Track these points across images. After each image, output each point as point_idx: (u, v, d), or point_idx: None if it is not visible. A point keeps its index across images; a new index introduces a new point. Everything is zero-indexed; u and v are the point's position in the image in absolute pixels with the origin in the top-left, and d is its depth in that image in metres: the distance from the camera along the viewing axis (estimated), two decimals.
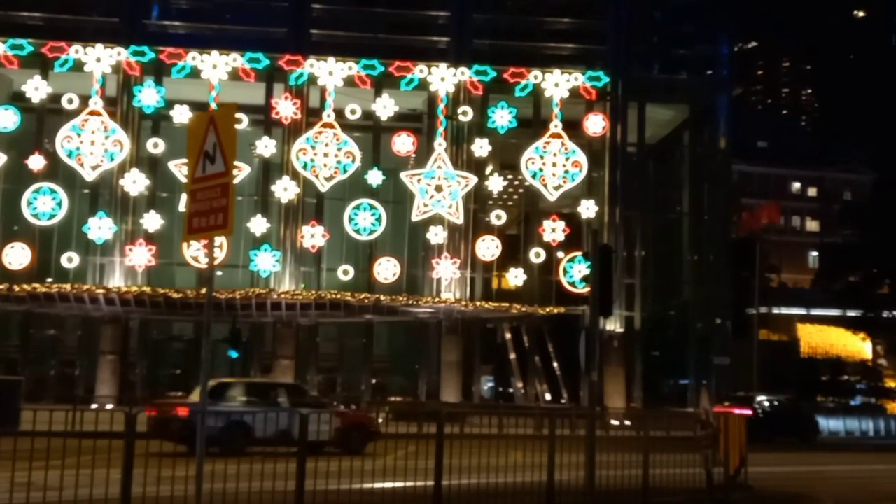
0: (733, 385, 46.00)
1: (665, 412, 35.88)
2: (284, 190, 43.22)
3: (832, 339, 77.84)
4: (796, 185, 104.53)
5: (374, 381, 45.69)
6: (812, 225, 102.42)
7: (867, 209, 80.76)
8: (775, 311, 72.88)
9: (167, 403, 23.34)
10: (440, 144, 44.00)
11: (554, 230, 44.21)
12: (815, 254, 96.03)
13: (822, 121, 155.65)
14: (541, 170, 44.62)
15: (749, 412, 41.83)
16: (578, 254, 43.67)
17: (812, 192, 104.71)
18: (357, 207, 43.20)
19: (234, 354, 36.54)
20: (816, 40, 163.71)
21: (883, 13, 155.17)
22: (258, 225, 42.80)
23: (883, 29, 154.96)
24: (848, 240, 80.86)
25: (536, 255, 44.35)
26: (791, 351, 71.99)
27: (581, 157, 44.83)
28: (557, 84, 44.91)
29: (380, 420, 28.58)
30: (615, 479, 13.60)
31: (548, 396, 44.61)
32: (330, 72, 43.72)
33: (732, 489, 14.46)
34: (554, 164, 44.63)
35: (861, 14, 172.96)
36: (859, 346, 78.21)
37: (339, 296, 41.84)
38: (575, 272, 43.96)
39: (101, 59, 42.93)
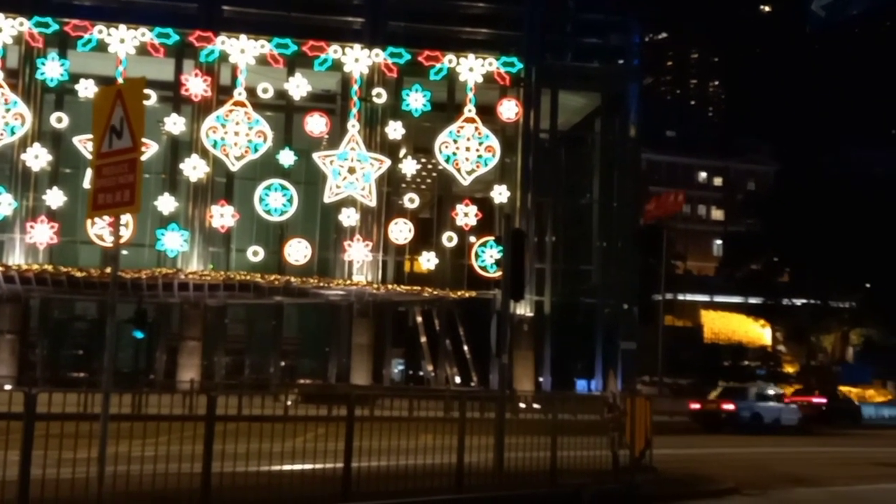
0: (638, 370, 46.89)
1: (573, 395, 36.47)
2: (193, 168, 42.45)
3: (734, 326, 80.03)
4: (702, 175, 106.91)
5: (283, 363, 45.29)
6: (717, 214, 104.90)
7: (770, 199, 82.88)
8: (680, 297, 74.57)
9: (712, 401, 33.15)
10: (353, 126, 43.72)
11: (467, 214, 44.39)
12: (719, 242, 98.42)
13: (728, 112, 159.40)
14: (454, 154, 44.70)
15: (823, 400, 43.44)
16: (491, 238, 43.92)
17: (718, 181, 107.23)
18: (268, 188, 42.69)
19: (139, 335, 35.84)
20: (724, 33, 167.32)
21: (787, 8, 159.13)
22: (166, 203, 41.96)
23: (787, 24, 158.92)
24: (751, 229, 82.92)
25: (449, 239, 44.49)
26: (695, 336, 73.81)
27: (494, 143, 45.04)
28: (472, 69, 45.00)
29: (288, 403, 28.37)
30: (524, 461, 13.73)
31: (458, 379, 44.83)
32: (242, 49, 43.03)
33: (637, 471, 14.73)
34: (467, 149, 44.75)
35: (767, 9, 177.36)
36: (760, 333, 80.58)
37: (248, 277, 41.32)
38: (487, 256, 44.22)
39: (2, 29, 41.50)
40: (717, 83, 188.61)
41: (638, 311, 49.09)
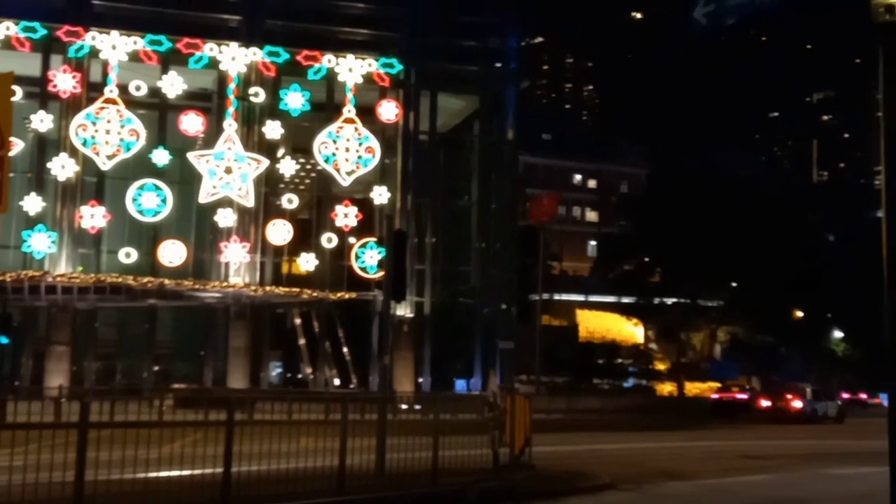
0: (516, 368, 47.51)
1: (453, 395, 36.72)
2: (62, 167, 41.05)
3: (608, 325, 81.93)
4: (577, 177, 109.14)
5: (156, 367, 44.18)
6: (591, 215, 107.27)
7: (641, 201, 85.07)
8: (556, 297, 75.90)
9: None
10: (230, 125, 43.00)
11: (346, 215, 44.21)
12: (593, 243, 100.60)
13: (601, 116, 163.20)
14: (334, 154, 44.44)
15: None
16: (371, 239, 43.86)
17: (592, 184, 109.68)
18: (141, 188, 41.60)
19: (3, 340, 34.41)
20: (598, 39, 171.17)
21: (657, 15, 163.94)
22: (32, 204, 40.48)
23: (657, 31, 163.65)
24: (624, 230, 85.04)
25: (328, 240, 44.20)
26: (570, 335, 75.21)
27: (374, 143, 44.97)
28: (351, 69, 44.83)
29: (163, 408, 27.66)
30: (406, 462, 13.76)
31: (337, 381, 44.58)
32: (113, 45, 41.82)
33: (517, 468, 14.91)
34: (347, 150, 44.55)
35: (639, 15, 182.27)
36: (632, 331, 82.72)
37: (120, 279, 40.10)
38: (367, 257, 44.12)
39: None
40: (591, 87, 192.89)
41: (516, 311, 49.76)
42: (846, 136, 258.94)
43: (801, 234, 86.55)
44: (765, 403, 48.90)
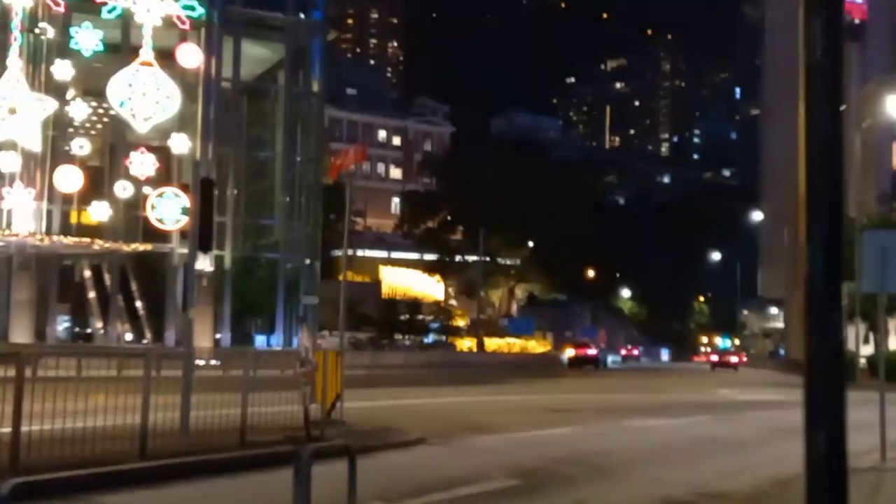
0: (320, 324, 47.05)
1: (263, 351, 35.98)
2: None
3: (411, 281, 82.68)
4: (382, 134, 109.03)
5: None
6: (395, 172, 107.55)
7: (445, 160, 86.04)
8: (360, 253, 75.78)
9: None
10: (15, 63, 39.91)
11: (143, 163, 42.08)
12: (397, 200, 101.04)
13: (406, 74, 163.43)
14: (129, 99, 42.12)
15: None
16: (169, 189, 42.00)
17: (396, 141, 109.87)
18: None
19: None
20: None
21: None
22: None
23: None
24: (427, 188, 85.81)
25: (123, 189, 42.01)
26: (374, 292, 75.35)
27: (173, 89, 42.92)
28: (149, 9, 42.48)
29: None
30: (209, 420, 13.17)
31: (129, 336, 42.77)
32: None
33: (328, 424, 14.56)
34: (144, 94, 42.30)
35: None
36: (434, 288, 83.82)
37: None
38: (164, 208, 42.22)
39: None
40: (395, 44, 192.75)
41: (319, 267, 49.21)
42: (636, 103, 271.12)
43: (593, 197, 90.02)
44: (570, 353, 63.26)
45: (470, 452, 14.87)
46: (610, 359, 63.76)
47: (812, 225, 2.62)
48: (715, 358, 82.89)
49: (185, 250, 41.88)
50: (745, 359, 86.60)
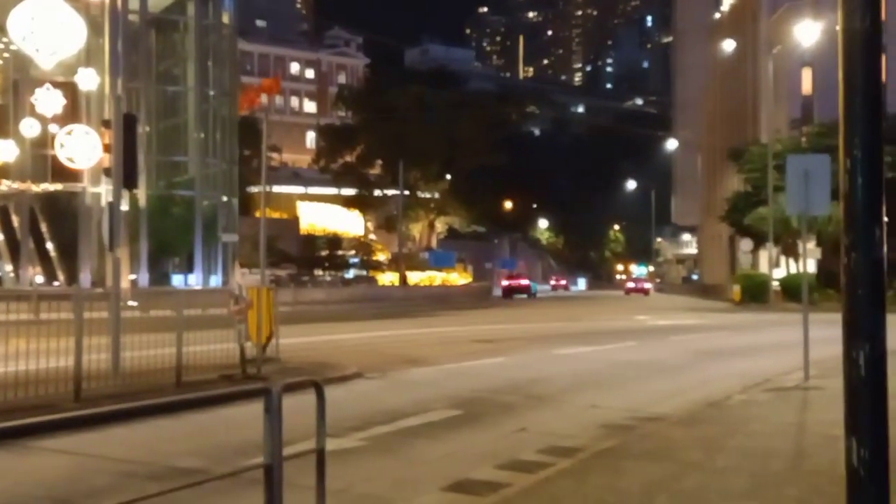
0: (240, 262, 46.42)
1: (194, 291, 35.37)
2: None
3: (330, 217, 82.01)
4: (295, 67, 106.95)
5: None
6: (310, 106, 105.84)
7: (360, 93, 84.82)
8: (277, 189, 74.77)
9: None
10: None
11: (49, 100, 40.51)
12: (313, 134, 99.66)
13: (317, 5, 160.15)
14: (32, 33, 40.26)
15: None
16: (77, 126, 40.53)
17: (310, 74, 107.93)
18: None
19: None
20: None
21: None
22: None
23: None
24: (343, 121, 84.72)
25: (29, 127, 40.50)
26: (292, 228, 74.62)
27: (79, 22, 41.02)
28: None
29: None
30: (140, 361, 12.90)
31: (40, 279, 41.66)
32: None
33: (264, 362, 14.39)
34: (48, 28, 40.51)
35: None
36: (354, 223, 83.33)
37: None
38: (74, 146, 40.78)
39: None
40: None
41: (237, 203, 48.42)
42: (549, 33, 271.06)
43: (509, 128, 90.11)
44: (504, 283, 70.61)
45: (407, 385, 14.86)
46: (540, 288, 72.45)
47: (850, 137, 2.53)
48: (631, 285, 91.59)
49: (98, 189, 40.80)
50: (652, 285, 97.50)
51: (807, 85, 66.75)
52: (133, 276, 43.40)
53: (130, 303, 33.52)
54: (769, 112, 57.74)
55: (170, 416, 10.93)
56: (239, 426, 9.50)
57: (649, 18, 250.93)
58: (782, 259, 52.21)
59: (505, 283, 71.42)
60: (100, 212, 30.72)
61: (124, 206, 42.74)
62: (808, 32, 50.13)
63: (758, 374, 15.61)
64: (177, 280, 46.21)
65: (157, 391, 11.69)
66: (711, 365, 18.64)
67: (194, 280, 45.32)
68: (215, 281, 45.33)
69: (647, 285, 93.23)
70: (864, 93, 2.55)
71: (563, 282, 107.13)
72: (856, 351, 2.55)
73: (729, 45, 69.30)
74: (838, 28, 2.58)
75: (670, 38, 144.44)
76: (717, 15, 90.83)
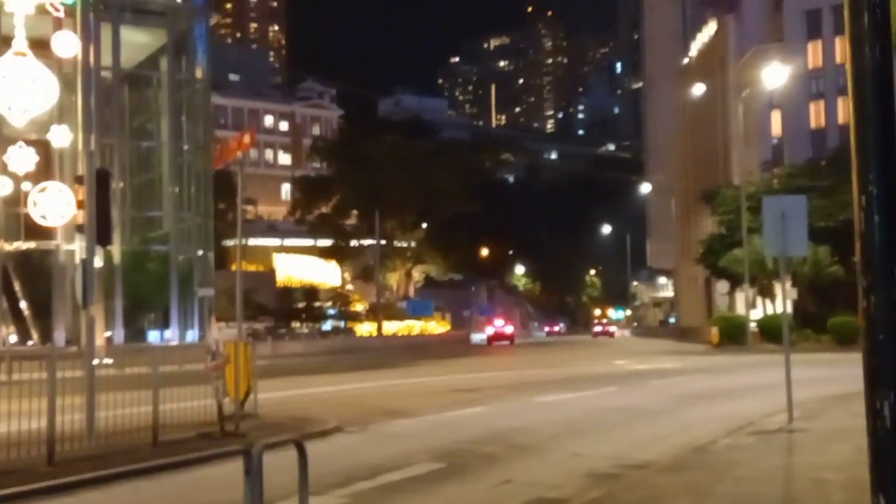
0: (217, 315, 45.92)
1: (171, 347, 34.97)
2: None
3: (306, 268, 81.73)
4: (269, 120, 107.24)
5: None
6: (284, 158, 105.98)
7: (334, 144, 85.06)
8: (252, 242, 74.54)
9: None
10: None
11: (22, 158, 40.25)
12: (288, 186, 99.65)
13: (290, 58, 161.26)
14: (4, 91, 40.19)
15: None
16: (51, 184, 40.26)
17: (284, 126, 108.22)
18: None
19: None
20: None
21: None
22: None
23: None
24: (318, 173, 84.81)
25: (2, 186, 40.17)
26: (269, 280, 74.25)
27: (51, 80, 40.95)
28: None
29: None
30: (116, 420, 12.64)
31: (14, 339, 41.10)
32: None
33: (242, 418, 14.15)
34: (20, 87, 40.41)
35: None
36: (330, 274, 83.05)
37: None
38: (47, 204, 40.46)
39: None
40: (276, 28, 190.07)
41: (213, 258, 48.16)
42: (521, 81, 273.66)
43: (483, 176, 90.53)
44: (489, 330, 71.95)
45: (388, 438, 14.66)
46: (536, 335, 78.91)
47: (863, 173, 2.44)
48: (598, 329, 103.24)
49: (72, 246, 40.47)
50: (616, 328, 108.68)
51: (776, 127, 67.58)
52: (108, 333, 42.91)
53: (106, 360, 33.09)
54: (740, 154, 58.31)
55: (147, 478, 10.74)
56: (218, 487, 9.29)
57: (619, 65, 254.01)
58: (759, 300, 52.39)
59: (490, 330, 72.64)
60: (74, 269, 30.53)
61: (98, 263, 42.33)
62: (775, 75, 50.85)
63: (741, 417, 15.51)
64: (153, 336, 45.76)
65: (134, 452, 11.45)
66: (694, 409, 18.54)
67: (170, 335, 44.87)
68: (192, 336, 44.91)
69: (612, 328, 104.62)
70: (876, 125, 2.47)
71: (557, 328, 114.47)
72: (879, 400, 2.43)
73: (699, 89, 70.14)
74: (847, 64, 2.51)
75: (640, 84, 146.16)
76: (686, 60, 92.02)
